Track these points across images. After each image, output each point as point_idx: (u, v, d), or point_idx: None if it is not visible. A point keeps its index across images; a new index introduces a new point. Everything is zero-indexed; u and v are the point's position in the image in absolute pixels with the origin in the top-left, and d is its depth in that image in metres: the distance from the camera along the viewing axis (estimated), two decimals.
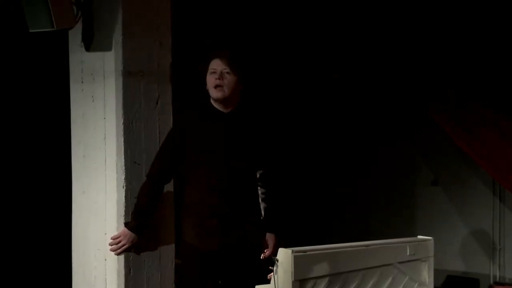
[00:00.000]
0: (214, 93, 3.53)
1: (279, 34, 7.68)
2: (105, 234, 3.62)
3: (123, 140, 3.59)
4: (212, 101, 3.62)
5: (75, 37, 3.74)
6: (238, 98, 3.63)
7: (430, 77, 6.42)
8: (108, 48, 3.60)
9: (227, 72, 3.51)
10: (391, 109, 8.11)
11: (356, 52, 6.95)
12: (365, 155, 8.62)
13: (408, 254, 5.37)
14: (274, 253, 3.76)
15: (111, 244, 3.56)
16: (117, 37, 3.58)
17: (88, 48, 3.68)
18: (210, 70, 3.56)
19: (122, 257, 3.59)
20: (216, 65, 3.54)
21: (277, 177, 3.84)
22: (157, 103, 3.77)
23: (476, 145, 6.25)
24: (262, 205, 3.77)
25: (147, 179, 3.62)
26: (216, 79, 3.50)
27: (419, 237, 5.77)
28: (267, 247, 3.80)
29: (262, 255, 3.76)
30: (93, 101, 3.69)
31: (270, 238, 3.81)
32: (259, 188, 3.78)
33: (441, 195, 8.01)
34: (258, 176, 3.75)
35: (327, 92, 8.64)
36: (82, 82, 3.74)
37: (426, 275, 5.57)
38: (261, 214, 3.78)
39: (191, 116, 3.66)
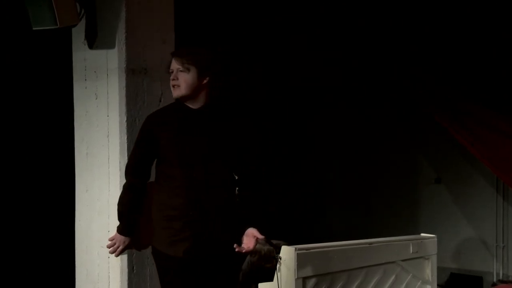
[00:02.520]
0: (172, 92, 3.41)
1: (278, 29, 7.70)
2: (108, 231, 3.63)
3: (126, 137, 3.59)
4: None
5: (78, 35, 3.74)
6: (206, 94, 3.45)
7: (433, 78, 6.42)
8: (111, 46, 3.60)
9: (181, 70, 3.37)
10: (394, 108, 8.11)
11: (362, 52, 6.95)
12: (368, 153, 8.62)
13: (411, 252, 5.37)
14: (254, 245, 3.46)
15: (108, 246, 3.49)
16: (120, 35, 3.58)
17: (91, 46, 3.69)
18: (170, 71, 3.44)
19: (125, 255, 3.59)
20: (172, 65, 3.42)
21: (254, 174, 3.60)
22: (160, 101, 3.77)
23: (478, 144, 6.26)
24: (240, 205, 3.55)
25: (126, 179, 3.48)
26: (172, 79, 3.39)
27: (422, 234, 5.77)
28: (247, 240, 3.45)
29: (239, 248, 3.38)
30: (96, 98, 3.69)
31: (251, 230, 3.44)
32: (237, 188, 3.58)
33: (444, 193, 8.00)
34: (236, 178, 3.56)
35: (330, 90, 8.64)
36: (85, 79, 3.74)
37: (429, 273, 5.57)
38: (237, 216, 3.53)
39: (161, 112, 3.53)
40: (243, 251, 3.39)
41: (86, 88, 3.74)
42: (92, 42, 3.68)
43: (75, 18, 3.50)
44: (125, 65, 3.59)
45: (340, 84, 8.49)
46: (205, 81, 3.40)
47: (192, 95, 3.40)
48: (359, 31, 6.73)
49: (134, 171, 3.44)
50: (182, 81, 3.37)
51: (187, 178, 3.34)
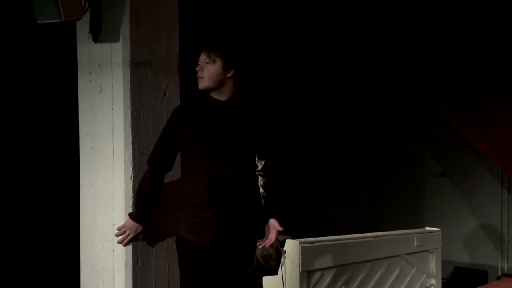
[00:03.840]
0: (199, 84, 3.50)
1: (278, 27, 7.69)
2: (113, 225, 3.63)
3: (130, 131, 3.59)
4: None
5: (83, 28, 3.73)
6: (232, 87, 3.52)
7: (439, 72, 6.41)
8: (116, 39, 3.60)
9: (207, 62, 3.46)
10: (399, 102, 8.11)
11: (367, 45, 6.94)
12: (373, 147, 8.61)
13: (416, 245, 5.38)
14: (276, 236, 3.67)
15: (117, 235, 3.56)
16: (125, 28, 3.58)
17: (96, 39, 3.68)
18: (198, 63, 3.53)
19: (130, 248, 3.59)
20: (200, 57, 3.51)
21: (278, 166, 3.73)
22: (164, 94, 3.77)
23: (484, 138, 6.25)
24: (262, 194, 3.68)
25: (148, 168, 3.58)
26: (197, 70, 3.49)
27: (427, 228, 5.78)
28: (269, 232, 3.65)
29: (262, 243, 3.62)
30: (101, 92, 3.69)
31: (273, 222, 3.63)
32: (260, 178, 3.69)
33: (449, 186, 8.01)
34: (259, 166, 3.67)
35: (336, 83, 8.64)
36: (90, 73, 3.73)
37: (434, 267, 5.58)
38: (261, 206, 3.66)
39: (188, 105, 3.61)
40: (267, 245, 3.63)
41: (90, 81, 3.74)
42: (97, 35, 3.67)
43: (79, 12, 3.50)
44: (129, 59, 3.58)
45: (345, 77, 8.49)
46: (230, 74, 3.48)
47: (217, 86, 3.48)
48: (364, 23, 6.72)
49: (157, 161, 3.55)
50: (206, 72, 3.46)
51: (214, 170, 3.43)
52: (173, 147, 3.55)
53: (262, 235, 3.66)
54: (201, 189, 3.43)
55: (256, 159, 3.67)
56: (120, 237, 3.55)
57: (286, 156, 8.88)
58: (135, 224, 3.53)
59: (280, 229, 3.61)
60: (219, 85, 3.47)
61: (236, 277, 3.58)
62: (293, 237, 4.75)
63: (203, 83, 3.46)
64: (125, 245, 3.57)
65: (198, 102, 3.58)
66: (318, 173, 9.22)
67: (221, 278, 3.54)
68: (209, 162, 3.43)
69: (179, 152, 3.59)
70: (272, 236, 3.62)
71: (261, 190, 3.69)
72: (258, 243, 3.63)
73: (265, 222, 3.69)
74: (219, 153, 3.44)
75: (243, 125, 3.52)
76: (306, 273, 4.56)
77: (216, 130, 3.46)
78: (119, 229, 3.56)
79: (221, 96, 3.51)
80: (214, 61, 3.45)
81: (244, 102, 3.59)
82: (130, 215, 3.55)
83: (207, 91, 3.49)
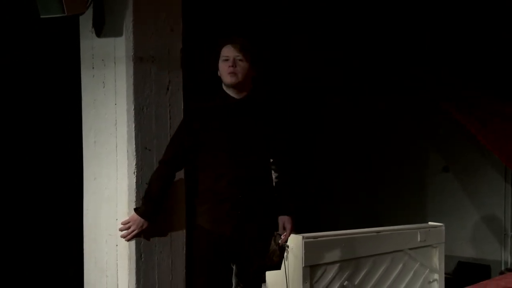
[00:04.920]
0: (228, 79, 3.54)
1: (280, 26, 7.68)
2: (116, 220, 3.63)
3: (134, 126, 3.59)
4: (224, 88, 3.63)
5: (86, 23, 3.73)
6: (250, 85, 3.64)
7: (442, 67, 6.41)
8: (119, 34, 3.59)
9: (240, 59, 3.53)
10: (402, 97, 8.10)
11: (371, 41, 6.94)
12: (376, 142, 8.61)
13: (419, 240, 5.38)
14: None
15: (121, 230, 3.57)
16: (128, 23, 3.57)
17: (99, 34, 3.68)
18: (222, 57, 3.58)
19: (133, 243, 3.60)
20: (229, 52, 3.55)
21: (291, 162, 3.81)
22: (168, 89, 3.77)
23: (488, 133, 6.24)
24: (276, 189, 3.76)
25: (160, 165, 3.63)
26: (229, 66, 3.52)
27: (430, 223, 5.77)
28: (283, 230, 3.75)
29: (280, 240, 3.73)
30: (104, 87, 3.68)
31: (286, 220, 3.74)
32: (273, 172, 3.77)
33: (452, 181, 8.01)
34: (272, 161, 3.75)
35: (340, 79, 8.64)
36: (93, 68, 3.73)
37: (437, 261, 5.58)
38: (274, 199, 3.75)
39: (204, 103, 3.66)
40: (283, 241, 3.72)
41: (93, 76, 3.74)
42: (100, 30, 3.67)
43: (82, 6, 3.50)
44: (132, 53, 3.58)
45: (349, 73, 8.49)
46: (254, 74, 3.61)
47: (243, 84, 3.57)
48: (365, 22, 6.72)
49: (170, 159, 3.61)
50: (240, 69, 3.54)
51: (232, 166, 3.54)
52: (189, 145, 3.60)
53: (277, 228, 3.75)
54: (222, 183, 3.54)
55: (270, 156, 3.75)
56: (124, 232, 3.56)
57: (292, 149, 8.90)
58: (142, 220, 3.54)
59: (289, 226, 3.72)
60: (245, 83, 3.58)
61: (250, 266, 3.71)
62: (296, 232, 4.76)
63: (236, 78, 3.53)
64: (128, 240, 3.58)
65: (212, 100, 3.66)
66: (321, 169, 9.22)
67: (239, 267, 3.72)
68: (229, 158, 3.54)
69: (195, 151, 3.63)
70: (286, 235, 3.72)
71: (275, 185, 3.77)
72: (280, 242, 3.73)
73: (278, 215, 3.77)
74: (238, 150, 3.55)
75: (258, 123, 3.62)
76: (309, 268, 4.56)
77: (233, 127, 3.57)
78: (124, 223, 3.57)
79: (240, 94, 3.60)
80: (246, 59, 3.54)
81: (258, 100, 3.68)
82: (137, 210, 3.55)
83: (233, 86, 3.56)
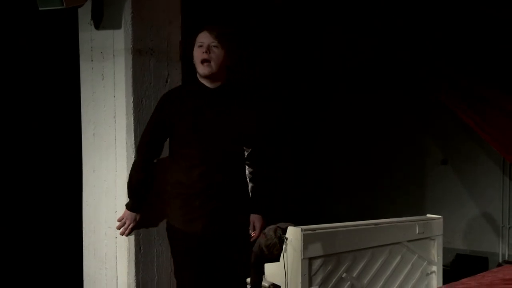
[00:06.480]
0: (201, 69, 3.37)
1: (287, 12, 7.67)
2: (116, 212, 3.64)
3: (133, 118, 3.59)
4: (198, 76, 3.44)
5: (84, 15, 3.73)
6: (225, 74, 3.44)
7: (441, 60, 6.40)
8: (118, 26, 3.59)
9: (215, 46, 3.34)
10: (401, 90, 8.10)
11: (372, 36, 6.93)
12: (376, 134, 8.61)
13: (417, 232, 5.39)
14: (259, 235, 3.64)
15: (118, 227, 3.57)
16: (127, 15, 3.57)
17: (97, 26, 3.67)
18: (197, 43, 3.38)
19: (132, 235, 3.61)
20: (204, 38, 3.37)
21: (266, 157, 3.62)
22: (166, 81, 3.77)
23: (484, 125, 6.24)
24: (249, 185, 3.58)
25: (136, 155, 3.53)
26: (203, 52, 3.34)
27: (428, 215, 5.78)
28: (253, 229, 3.58)
29: (250, 238, 3.59)
30: (102, 79, 3.69)
31: (256, 219, 3.57)
32: (246, 167, 3.59)
33: (450, 174, 8.01)
34: (246, 155, 3.57)
35: (340, 74, 8.64)
36: (91, 60, 3.73)
37: (435, 253, 5.59)
38: (248, 195, 3.58)
39: (177, 91, 3.52)
40: (252, 239, 3.59)
41: (92, 69, 3.74)
42: (99, 22, 3.66)
43: None
44: (131, 46, 3.58)
45: (349, 68, 8.49)
46: (229, 62, 3.40)
47: (217, 73, 3.38)
48: (367, 18, 6.71)
49: (146, 149, 3.47)
50: (214, 56, 3.34)
51: (204, 157, 3.34)
52: (162, 133, 3.45)
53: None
54: (192, 177, 3.35)
55: (244, 147, 3.57)
56: (122, 229, 3.56)
57: (291, 142, 8.90)
58: (133, 213, 3.53)
59: (258, 225, 3.55)
60: (219, 72, 3.39)
61: (229, 265, 3.51)
62: (295, 224, 4.76)
63: (210, 69, 3.34)
64: (127, 235, 3.59)
65: (186, 88, 3.51)
66: (320, 161, 9.23)
67: (214, 267, 3.46)
68: (199, 150, 3.34)
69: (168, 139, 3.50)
70: (255, 234, 3.57)
71: (249, 181, 3.59)
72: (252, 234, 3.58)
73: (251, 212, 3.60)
74: (210, 141, 3.35)
75: (232, 113, 3.42)
76: (308, 260, 4.57)
77: (207, 118, 3.36)
78: (119, 220, 3.57)
79: (213, 84, 3.41)
80: (222, 47, 3.35)
81: (233, 89, 3.49)
82: (126, 205, 3.55)
83: (206, 77, 3.38)
